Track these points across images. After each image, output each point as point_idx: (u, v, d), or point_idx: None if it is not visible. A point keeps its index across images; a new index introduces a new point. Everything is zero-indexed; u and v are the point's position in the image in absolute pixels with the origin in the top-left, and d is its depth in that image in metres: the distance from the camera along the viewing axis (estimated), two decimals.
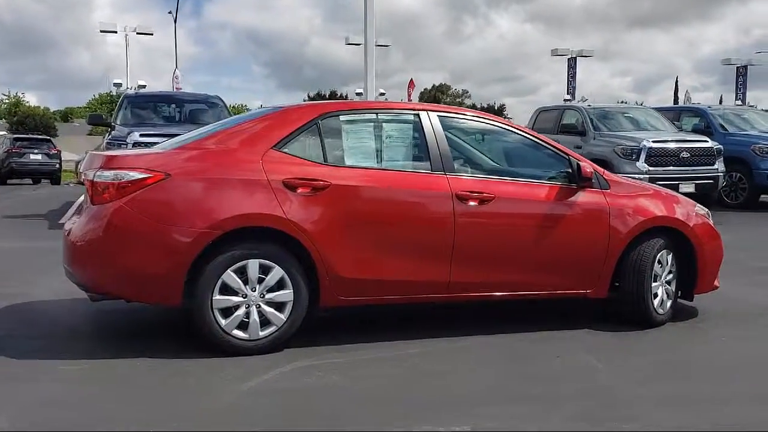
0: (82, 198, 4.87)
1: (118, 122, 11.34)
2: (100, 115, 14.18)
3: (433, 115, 4.90)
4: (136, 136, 10.27)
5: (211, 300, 4.25)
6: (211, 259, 4.24)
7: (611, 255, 5.04)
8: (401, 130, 4.90)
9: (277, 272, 4.36)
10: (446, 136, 4.87)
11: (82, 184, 4.79)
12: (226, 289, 4.30)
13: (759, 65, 41.96)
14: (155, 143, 10.20)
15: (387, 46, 35.49)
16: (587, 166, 5.01)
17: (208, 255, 4.24)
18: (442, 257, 4.69)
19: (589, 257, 5.02)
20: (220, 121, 5.25)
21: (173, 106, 12.23)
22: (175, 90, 25.32)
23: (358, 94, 40.94)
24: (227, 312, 4.31)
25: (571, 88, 37.87)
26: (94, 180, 4.26)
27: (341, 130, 4.73)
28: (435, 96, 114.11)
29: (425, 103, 5.03)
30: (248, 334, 4.34)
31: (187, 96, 12.47)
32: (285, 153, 4.49)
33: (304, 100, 53.29)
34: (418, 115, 4.88)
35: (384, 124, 4.86)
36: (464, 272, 4.73)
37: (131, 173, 4.22)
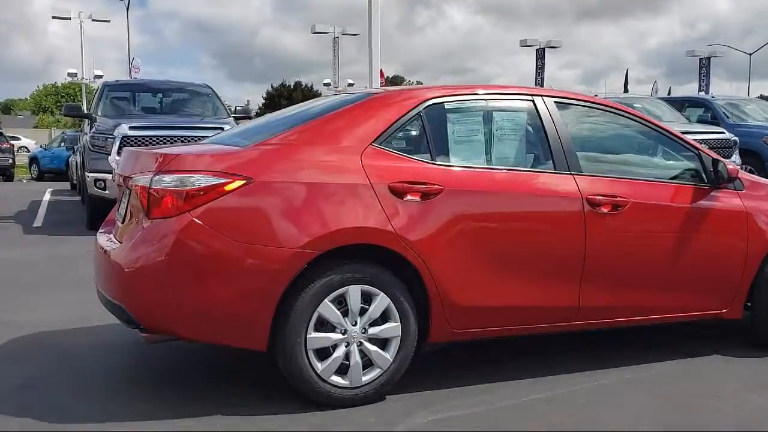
0: (119, 209, 3.85)
1: (100, 113, 10.17)
2: (78, 105, 12.90)
3: (549, 101, 4.02)
4: (125, 129, 9.14)
5: (305, 339, 3.31)
6: (305, 287, 3.30)
7: (749, 268, 4.25)
8: (515, 120, 4.00)
9: (382, 301, 3.45)
10: (567, 126, 4.01)
11: (120, 187, 3.80)
12: (323, 325, 3.36)
13: (721, 56, 42.33)
14: (147, 137, 9.26)
15: (356, 35, 34.46)
16: (729, 164, 4.20)
17: (301, 282, 3.30)
18: (572, 277, 3.83)
19: (727, 271, 4.23)
20: (291, 111, 4.27)
21: (159, 95, 11.06)
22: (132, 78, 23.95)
23: (325, 84, 40.00)
24: (323, 353, 3.38)
25: (540, 80, 37.39)
26: (152, 187, 3.26)
27: (447, 120, 3.81)
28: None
29: (536, 87, 4.13)
30: (349, 380, 3.42)
31: (173, 84, 11.32)
32: (386, 150, 3.56)
33: (268, 92, 51.81)
34: (532, 100, 3.99)
35: (495, 112, 3.96)
36: (595, 294, 3.88)
37: (203, 177, 3.24)
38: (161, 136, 9.16)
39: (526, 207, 3.75)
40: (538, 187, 3.80)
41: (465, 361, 4.10)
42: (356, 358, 3.42)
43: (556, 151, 3.90)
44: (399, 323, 3.49)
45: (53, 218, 11.17)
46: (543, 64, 37.42)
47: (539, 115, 3.96)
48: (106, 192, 9.08)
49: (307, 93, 46.81)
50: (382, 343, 3.49)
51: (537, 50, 37.96)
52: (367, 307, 3.43)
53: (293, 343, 3.30)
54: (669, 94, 45.59)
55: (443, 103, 3.80)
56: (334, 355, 3.38)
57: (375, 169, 3.46)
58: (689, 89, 59.14)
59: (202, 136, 9.20)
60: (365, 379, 3.44)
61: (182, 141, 9.12)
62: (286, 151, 3.43)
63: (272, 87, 48.49)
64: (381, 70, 35.24)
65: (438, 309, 3.54)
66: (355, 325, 3.41)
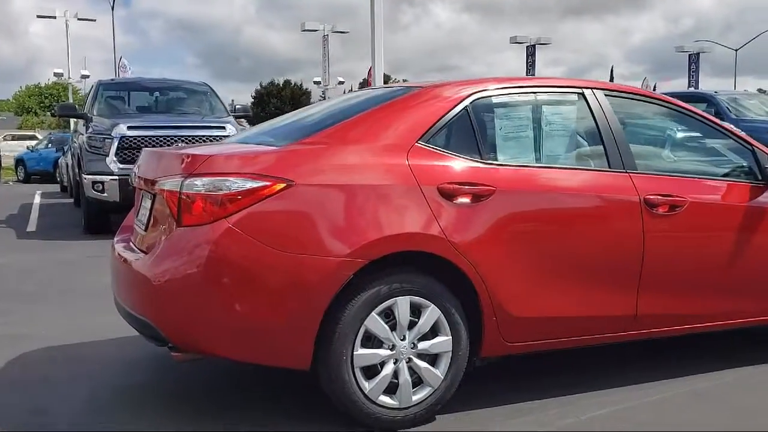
0: (139, 214, 3.54)
1: (95, 113, 9.81)
2: (72, 105, 12.47)
3: (599, 94, 3.75)
4: (123, 129, 8.81)
5: (352, 356, 3.03)
6: (350, 300, 3.01)
7: None
8: (564, 114, 3.73)
9: (432, 313, 3.16)
10: (618, 120, 3.74)
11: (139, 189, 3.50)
12: (369, 340, 3.08)
13: (708, 52, 42.38)
14: (147, 137, 8.92)
15: (346, 32, 34.14)
16: None
17: (346, 294, 3.01)
18: (629, 283, 3.56)
19: None
20: (321, 108, 3.97)
21: (156, 94, 10.71)
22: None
23: (316, 82, 39.66)
24: (370, 371, 3.09)
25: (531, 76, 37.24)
26: (183, 191, 2.96)
27: (495, 115, 3.54)
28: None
29: (584, 79, 3.86)
30: (398, 400, 3.13)
31: (170, 83, 10.96)
32: (433, 149, 3.27)
33: (257, 90, 51.09)
34: (582, 93, 3.71)
35: (544, 106, 3.68)
36: (653, 301, 3.62)
37: (240, 180, 2.94)
38: (161, 137, 8.85)
39: (583, 209, 3.48)
40: (595, 186, 3.53)
41: (507, 375, 3.82)
42: (405, 375, 3.14)
43: (610, 148, 3.63)
44: (450, 337, 3.21)
45: (47, 222, 10.80)
46: (533, 61, 37.30)
47: (590, 108, 3.69)
48: (105, 194, 8.74)
49: (297, 91, 46.45)
50: (432, 359, 3.20)
51: (527, 47, 37.84)
52: (416, 320, 3.15)
53: (339, 361, 3.01)
54: (654, 90, 45.58)
55: (490, 96, 3.52)
56: (383, 373, 3.10)
57: (422, 170, 3.17)
58: (676, 85, 59.34)
59: (204, 136, 8.95)
60: (415, 398, 3.16)
61: (183, 141, 8.81)
62: (327, 152, 3.13)
63: (261, 86, 47.99)
64: (371, 68, 34.97)
65: (490, 320, 3.26)
66: (403, 339, 3.13)
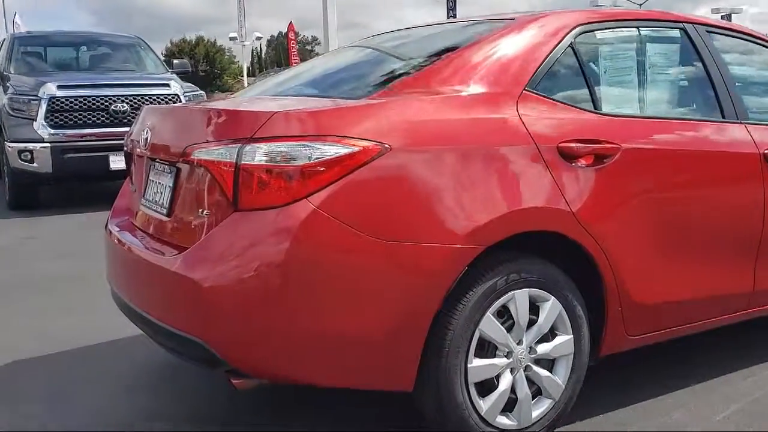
0: (147, 193, 2.68)
1: (13, 71, 8.55)
2: None
3: (702, 31, 3.12)
4: (52, 89, 7.66)
5: (465, 369, 2.33)
6: (462, 298, 2.30)
7: None
8: (668, 55, 3.08)
9: (553, 307, 2.50)
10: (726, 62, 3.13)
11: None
12: (483, 348, 2.38)
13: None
14: (81, 98, 7.79)
15: None
16: None
17: (457, 291, 2.30)
18: (748, 255, 3.01)
19: None
20: (375, 49, 3.15)
21: (83, 48, 9.45)
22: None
23: (231, 38, 37.70)
24: (485, 387, 2.41)
25: None
26: (243, 162, 2.15)
27: (599, 54, 2.85)
28: (283, 44, 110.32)
29: (681, 14, 3.21)
30: (517, 419, 2.48)
31: (99, 36, 9.71)
32: (542, 97, 2.56)
33: (167, 48, 48.06)
34: (683, 29, 3.07)
35: (648, 44, 3.02)
36: None
37: (323, 146, 2.15)
38: (97, 96, 7.78)
39: (708, 168, 2.87)
40: (717, 141, 2.93)
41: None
42: (525, 388, 2.48)
43: (722, 95, 3.02)
44: (571, 336, 2.56)
45: None
46: (455, 15, 36.61)
47: (695, 48, 3.05)
48: (34, 165, 7.62)
49: (211, 48, 44.29)
50: (550, 364, 2.55)
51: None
52: (535, 318, 2.48)
53: (450, 377, 2.31)
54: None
55: (593, 31, 2.83)
56: (500, 387, 2.42)
57: (537, 125, 2.47)
58: None
59: (147, 95, 7.94)
60: (535, 415, 2.51)
61: (122, 101, 7.78)
62: (422, 105, 2.37)
63: (171, 43, 45.42)
64: (291, 22, 33.52)
65: (614, 311, 2.63)
66: (520, 343, 2.45)
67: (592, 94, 2.69)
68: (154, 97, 8.00)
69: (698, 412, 2.79)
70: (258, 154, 2.15)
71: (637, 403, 2.86)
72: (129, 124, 7.88)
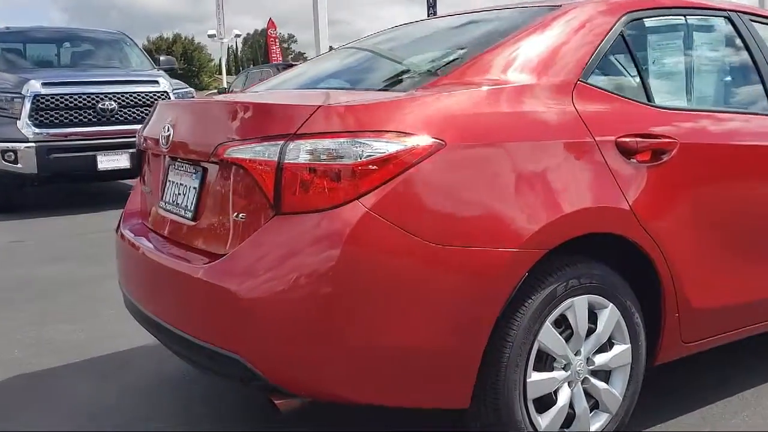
0: (166, 195, 2.46)
1: None
2: None
3: (746, 19, 2.97)
4: (36, 87, 7.37)
5: (524, 384, 2.15)
6: (521, 306, 2.12)
7: None
8: (715, 44, 2.92)
9: (611, 315, 2.33)
10: None
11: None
12: (541, 360, 2.20)
13: None
14: (66, 96, 7.50)
15: None
16: None
17: (516, 299, 2.12)
18: None
19: None
20: (405, 38, 2.95)
21: (65, 44, 9.14)
22: None
23: (210, 36, 37.26)
24: (543, 403, 2.23)
25: None
26: (286, 161, 1.95)
27: (648, 43, 2.69)
28: (258, 41, 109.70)
29: (728, 2, 3.05)
30: None
31: (82, 32, 9.39)
32: (596, 88, 2.39)
33: (144, 45, 47.23)
34: (729, 18, 2.91)
35: (696, 33, 2.86)
36: None
37: (376, 142, 1.95)
38: (84, 94, 7.52)
39: (763, 164, 2.71)
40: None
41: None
42: (583, 402, 2.30)
43: None
44: (629, 345, 2.39)
45: None
46: (435, 12, 36.48)
47: (742, 37, 2.90)
48: (18, 166, 7.32)
49: (189, 46, 43.75)
50: (606, 375, 2.38)
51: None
52: (594, 326, 2.30)
53: (509, 394, 2.13)
54: None
55: (642, 19, 2.66)
56: (559, 402, 2.25)
57: (594, 118, 2.30)
58: None
59: (136, 92, 7.70)
60: (593, 430, 2.33)
61: (110, 99, 7.52)
62: (476, 96, 2.17)
63: (148, 41, 44.75)
64: (270, 19, 33.30)
65: (672, 317, 2.46)
66: (577, 354, 2.28)
67: (644, 85, 2.53)
68: (143, 95, 7.74)
69: (754, 421, 2.64)
70: (302, 152, 1.95)
71: (694, 411, 2.70)
72: (117, 122, 7.65)
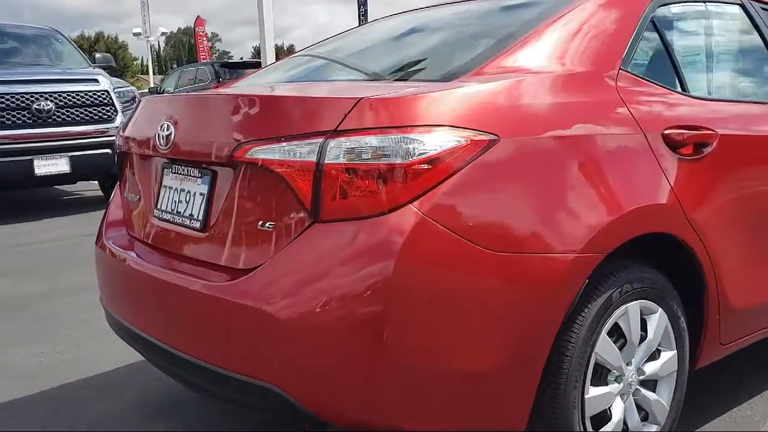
0: (162, 203, 2.17)
1: None
2: None
3: (757, 6, 2.87)
4: None
5: (582, 400, 1.97)
6: (577, 316, 1.94)
7: None
8: (729, 31, 2.81)
9: (660, 320, 2.17)
10: None
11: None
12: (596, 374, 2.02)
13: None
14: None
15: None
16: None
17: (574, 309, 1.93)
18: None
19: None
20: (427, 25, 2.72)
21: None
22: None
23: (135, 34, 35.99)
24: (597, 419, 2.05)
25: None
26: (326, 162, 1.71)
27: (676, 30, 2.55)
28: (182, 40, 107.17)
29: None
30: None
31: (8, 28, 8.67)
32: (636, 77, 2.23)
33: None
34: (741, 4, 2.80)
35: (714, 21, 2.74)
36: None
37: (430, 137, 1.72)
38: (17, 94, 7.00)
39: None
40: None
41: None
42: (635, 416, 2.15)
43: None
44: (675, 351, 2.23)
45: None
46: (366, 11, 36.25)
47: (755, 23, 2.79)
48: None
49: (113, 44, 42.29)
50: (653, 385, 2.22)
51: None
52: (645, 334, 2.14)
53: (568, 411, 1.94)
54: None
55: (669, 5, 2.51)
56: (614, 418, 2.08)
57: (641, 109, 2.14)
58: None
59: (74, 92, 7.24)
60: None
61: (47, 99, 7.04)
62: (524, 86, 1.97)
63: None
64: (198, 16, 32.48)
65: (713, 319, 2.33)
66: (629, 364, 2.11)
67: (677, 73, 2.38)
68: (82, 94, 7.27)
69: None
70: (344, 151, 1.71)
71: (723, 415, 2.58)
72: (54, 124, 7.15)
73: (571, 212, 1.88)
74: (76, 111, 7.23)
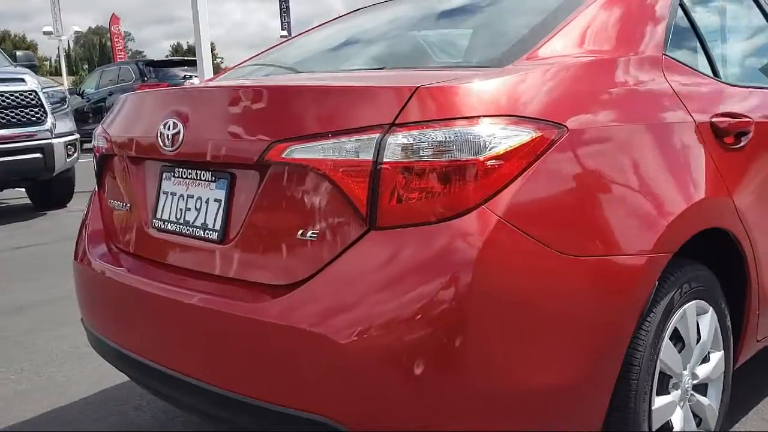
0: (198, 209, 1.89)
1: None
2: None
3: None
4: None
5: (650, 410, 1.82)
6: (644, 322, 1.78)
7: None
8: (740, 15, 2.72)
9: (711, 321, 2.06)
10: None
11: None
12: (661, 380, 1.88)
13: None
14: None
15: None
16: None
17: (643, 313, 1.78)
18: None
19: None
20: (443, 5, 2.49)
21: None
22: None
23: (46, 33, 34.36)
24: (664, 429, 1.91)
25: (286, 24, 35.77)
26: (385, 161, 1.49)
27: (701, 13, 2.44)
28: (92, 40, 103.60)
29: None
30: None
31: None
32: (677, 62, 2.10)
33: None
34: None
35: (728, 5, 2.65)
36: None
37: (502, 130, 1.53)
38: None
39: None
40: None
41: None
42: (692, 424, 2.02)
43: None
44: (722, 351, 2.11)
45: None
46: (287, 7, 35.82)
47: (764, 9, 2.72)
48: None
49: (20, 43, 40.28)
50: (704, 389, 2.10)
51: None
52: (699, 336, 2.01)
53: (638, 425, 1.78)
54: None
55: None
56: (675, 427, 1.93)
57: (688, 95, 2.01)
58: None
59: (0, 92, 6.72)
60: None
61: None
62: (582, 71, 1.79)
63: None
64: (114, 14, 31.31)
65: (753, 316, 2.23)
66: (686, 369, 1.98)
67: (709, 59, 2.27)
68: (8, 95, 6.75)
69: None
70: (403, 147, 1.50)
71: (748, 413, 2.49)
72: None
73: (641, 208, 1.72)
74: (4, 113, 6.71)
